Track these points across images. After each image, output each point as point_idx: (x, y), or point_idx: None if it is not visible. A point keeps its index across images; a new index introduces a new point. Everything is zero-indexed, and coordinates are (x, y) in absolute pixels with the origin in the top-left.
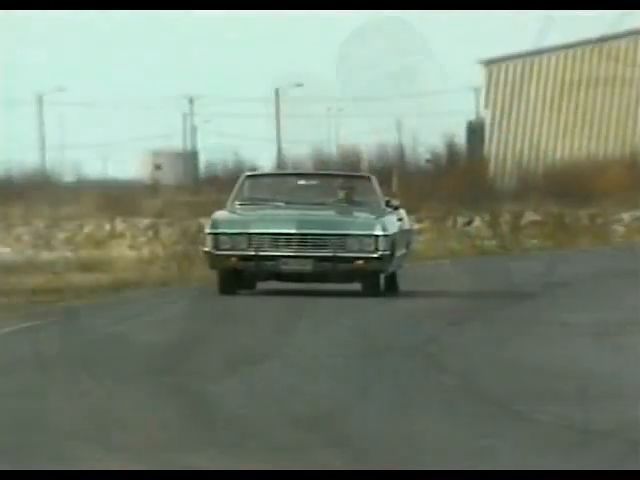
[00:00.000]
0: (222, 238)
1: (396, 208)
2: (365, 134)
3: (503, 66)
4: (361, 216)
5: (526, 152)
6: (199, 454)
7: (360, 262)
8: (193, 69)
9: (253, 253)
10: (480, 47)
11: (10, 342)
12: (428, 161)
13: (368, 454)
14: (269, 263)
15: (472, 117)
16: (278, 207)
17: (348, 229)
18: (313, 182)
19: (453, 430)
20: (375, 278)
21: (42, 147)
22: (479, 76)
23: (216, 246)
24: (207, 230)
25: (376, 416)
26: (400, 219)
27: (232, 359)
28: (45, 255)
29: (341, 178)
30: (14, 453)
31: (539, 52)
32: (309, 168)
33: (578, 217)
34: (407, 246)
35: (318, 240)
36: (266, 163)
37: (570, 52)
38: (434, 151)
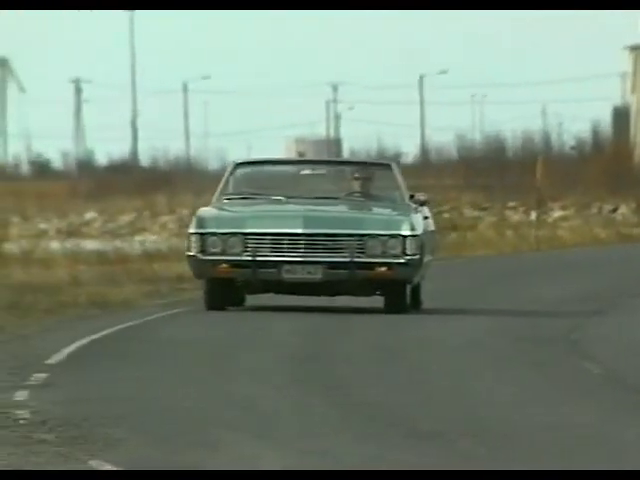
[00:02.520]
0: (211, 240)
1: (422, 204)
2: (510, 121)
3: None
4: (383, 212)
5: None
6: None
7: (383, 269)
8: (337, 56)
9: (249, 258)
10: (627, 32)
11: (153, 327)
12: (573, 148)
13: (513, 442)
14: (269, 271)
15: (618, 103)
16: (278, 202)
17: (368, 228)
18: (320, 171)
19: (599, 421)
20: (402, 289)
21: (187, 135)
22: (625, 61)
23: (203, 250)
24: (191, 230)
25: (519, 404)
26: (426, 217)
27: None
28: None
29: (355, 166)
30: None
31: None
32: (453, 155)
33: None
34: (432, 252)
35: (330, 242)
36: (410, 150)
37: None
38: (579, 137)
